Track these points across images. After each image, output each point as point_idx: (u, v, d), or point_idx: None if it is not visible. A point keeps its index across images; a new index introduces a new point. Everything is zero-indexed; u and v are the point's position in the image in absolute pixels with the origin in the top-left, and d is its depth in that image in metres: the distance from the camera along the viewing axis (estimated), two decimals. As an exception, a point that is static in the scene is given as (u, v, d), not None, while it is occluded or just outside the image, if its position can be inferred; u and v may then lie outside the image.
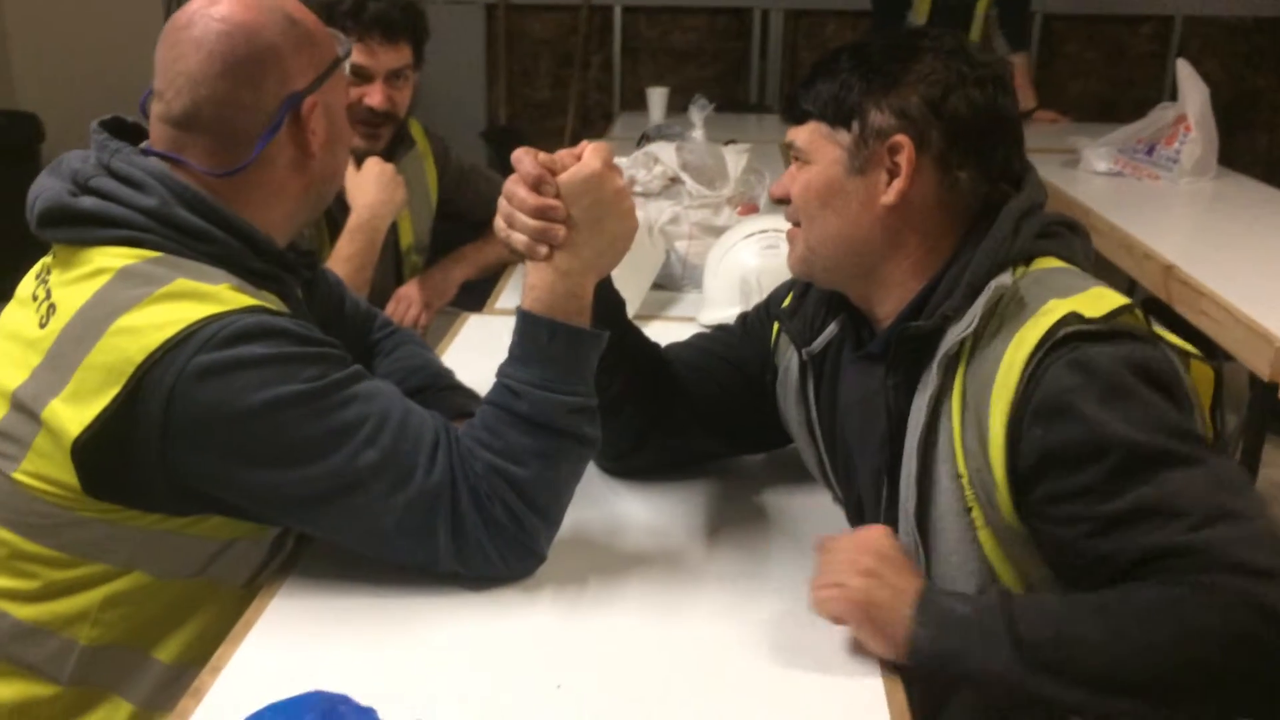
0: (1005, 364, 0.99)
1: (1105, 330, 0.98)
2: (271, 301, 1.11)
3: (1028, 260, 1.07)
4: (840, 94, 1.09)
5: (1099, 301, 1.00)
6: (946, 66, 1.07)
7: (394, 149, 2.06)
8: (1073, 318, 0.98)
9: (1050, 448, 0.96)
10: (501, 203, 1.12)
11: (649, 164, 2.20)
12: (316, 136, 1.15)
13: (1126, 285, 3.42)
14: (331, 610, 1.08)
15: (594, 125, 5.35)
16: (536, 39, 5.42)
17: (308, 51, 1.13)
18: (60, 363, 1.03)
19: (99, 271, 1.06)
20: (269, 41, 1.10)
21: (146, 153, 1.12)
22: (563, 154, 1.12)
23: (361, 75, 1.94)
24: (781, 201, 1.18)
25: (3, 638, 1.11)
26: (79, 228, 1.08)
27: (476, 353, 1.70)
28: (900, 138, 1.06)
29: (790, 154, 1.16)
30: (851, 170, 1.09)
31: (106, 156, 1.10)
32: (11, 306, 1.14)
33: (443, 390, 1.40)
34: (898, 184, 1.07)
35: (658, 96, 3.74)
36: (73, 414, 1.01)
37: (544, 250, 1.10)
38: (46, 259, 1.14)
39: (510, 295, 2.11)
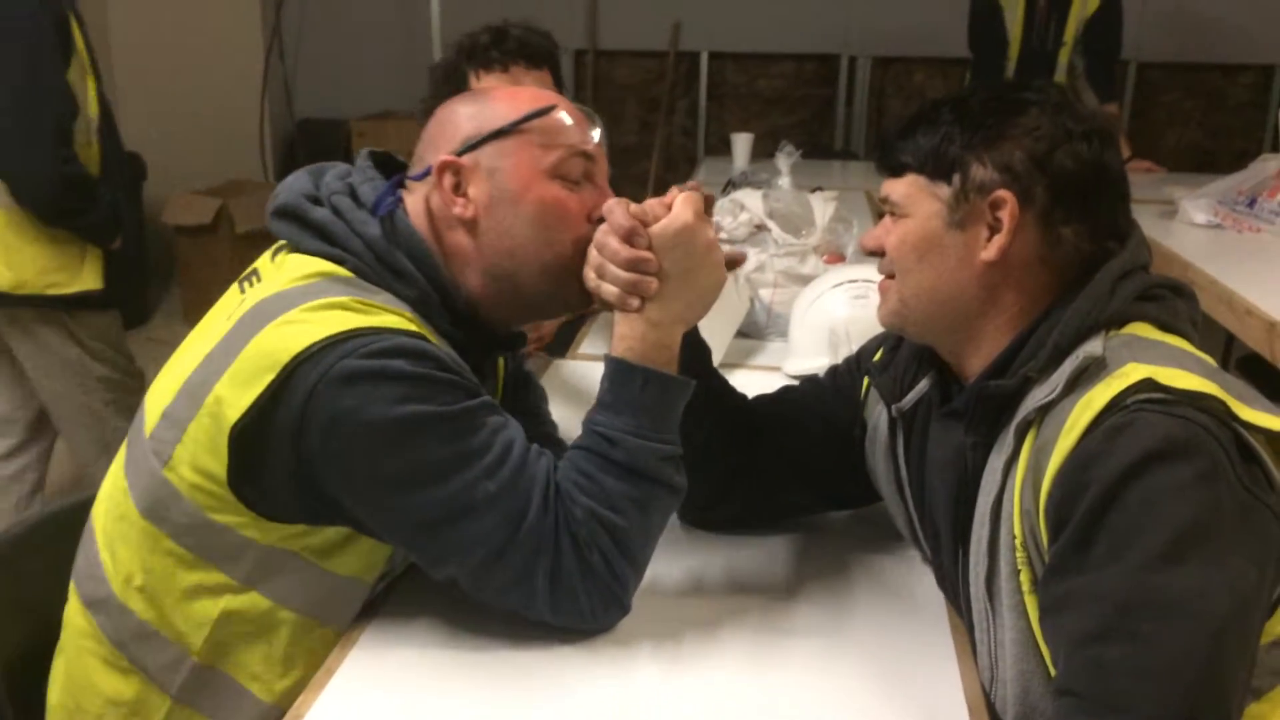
0: (1069, 423, 0.94)
1: (1176, 400, 0.91)
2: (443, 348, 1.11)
3: (1121, 324, 1.02)
4: (941, 146, 1.07)
5: (1181, 379, 0.93)
6: (1052, 121, 1.03)
7: None
8: (1147, 384, 0.92)
9: (1058, 502, 0.92)
10: (592, 253, 1.12)
11: (735, 211, 2.20)
12: (471, 200, 1.14)
13: (1225, 342, 3.32)
14: (412, 661, 1.07)
15: (678, 170, 5.38)
16: (623, 85, 5.48)
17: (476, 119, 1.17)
18: (230, 346, 1.06)
19: (297, 276, 1.10)
20: (453, 108, 1.18)
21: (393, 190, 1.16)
22: (653, 204, 1.11)
23: None
24: (874, 254, 1.15)
25: (126, 635, 1.14)
26: (302, 231, 1.13)
27: (559, 397, 1.70)
28: (1003, 193, 1.03)
29: (884, 207, 1.14)
30: (950, 225, 1.07)
31: (359, 179, 1.16)
32: (209, 316, 1.19)
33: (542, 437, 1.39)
34: (999, 240, 1.04)
35: (742, 142, 3.74)
36: (234, 397, 1.04)
37: (635, 302, 1.10)
38: (259, 264, 1.18)
39: (591, 342, 2.11)
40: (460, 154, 1.14)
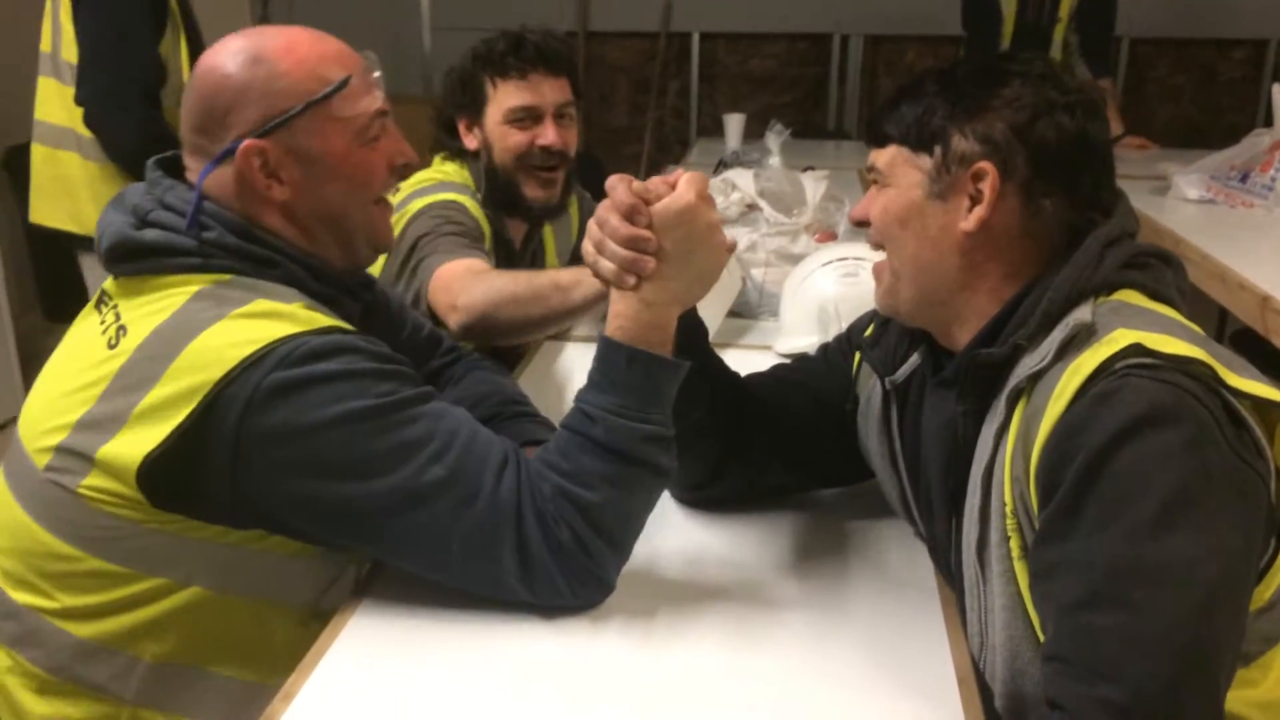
0: (1059, 390, 0.94)
1: (1164, 365, 0.91)
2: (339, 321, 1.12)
3: (1110, 291, 1.02)
4: (923, 118, 1.07)
5: (1169, 344, 0.93)
6: (1035, 92, 1.03)
7: (565, 196, 1.98)
8: (1135, 349, 0.92)
9: (1048, 469, 0.92)
10: (592, 227, 1.11)
11: (726, 190, 2.19)
12: (285, 184, 1.13)
13: (1218, 316, 3.33)
14: (402, 641, 1.08)
15: (670, 151, 5.37)
16: (614, 66, 5.46)
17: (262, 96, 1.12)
18: (133, 381, 1.05)
19: (173, 295, 1.08)
20: (232, 77, 1.12)
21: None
22: (656, 182, 1.10)
23: (531, 115, 1.87)
24: (861, 224, 1.15)
25: (65, 657, 1.12)
26: (147, 259, 1.11)
27: (549, 378, 1.71)
28: (984, 164, 1.03)
29: (870, 175, 1.14)
30: (932, 195, 1.07)
31: (160, 192, 1.14)
32: (71, 339, 1.17)
33: (512, 418, 1.39)
34: (979, 211, 1.04)
35: (734, 123, 3.73)
36: (145, 432, 1.03)
37: (632, 280, 1.09)
38: (107, 285, 1.17)
39: (584, 324, 2.10)
40: (263, 135, 1.11)
